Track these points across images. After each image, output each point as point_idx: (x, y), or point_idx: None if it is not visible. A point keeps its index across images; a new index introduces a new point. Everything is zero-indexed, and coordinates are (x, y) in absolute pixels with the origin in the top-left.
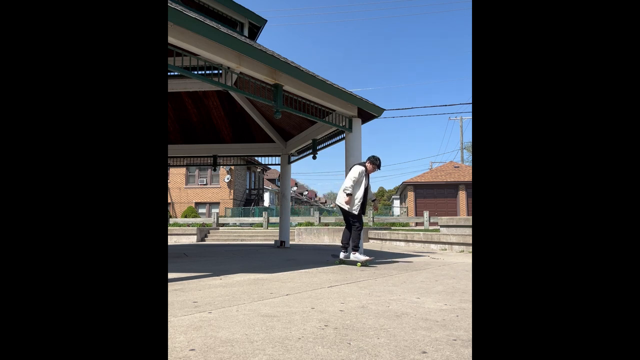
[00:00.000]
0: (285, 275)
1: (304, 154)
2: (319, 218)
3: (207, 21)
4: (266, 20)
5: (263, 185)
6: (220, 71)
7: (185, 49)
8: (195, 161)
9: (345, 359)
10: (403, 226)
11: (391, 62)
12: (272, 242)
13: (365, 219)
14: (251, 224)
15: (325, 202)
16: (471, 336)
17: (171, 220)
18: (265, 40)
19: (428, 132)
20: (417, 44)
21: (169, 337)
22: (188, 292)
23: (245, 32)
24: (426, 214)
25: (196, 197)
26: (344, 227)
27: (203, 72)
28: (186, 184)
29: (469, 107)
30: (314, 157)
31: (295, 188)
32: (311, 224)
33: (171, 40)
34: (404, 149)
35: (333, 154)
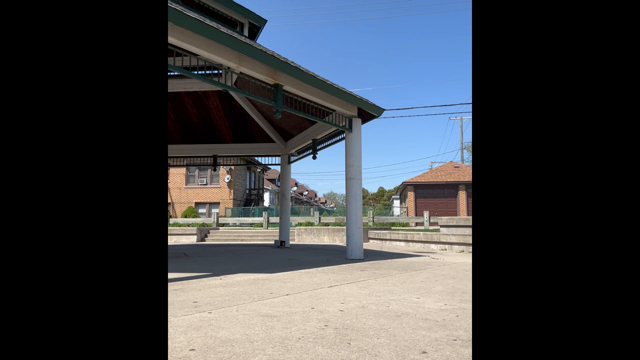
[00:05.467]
0: (285, 275)
1: (304, 154)
2: (319, 218)
3: (207, 21)
4: (266, 20)
5: (263, 185)
6: (220, 71)
7: (185, 49)
8: (195, 161)
9: (345, 359)
10: (403, 226)
11: (392, 62)
12: (272, 242)
13: (365, 219)
14: (251, 224)
15: (325, 202)
16: (471, 336)
17: (171, 220)
18: (265, 40)
19: (428, 132)
20: (418, 44)
21: (169, 337)
22: (188, 292)
23: (245, 32)
24: (426, 214)
25: (196, 197)
26: (344, 227)
27: (203, 72)
28: (186, 184)
29: (469, 107)
30: (314, 157)
31: (295, 188)
32: (311, 224)
33: (171, 40)
34: (404, 149)
35: (333, 154)
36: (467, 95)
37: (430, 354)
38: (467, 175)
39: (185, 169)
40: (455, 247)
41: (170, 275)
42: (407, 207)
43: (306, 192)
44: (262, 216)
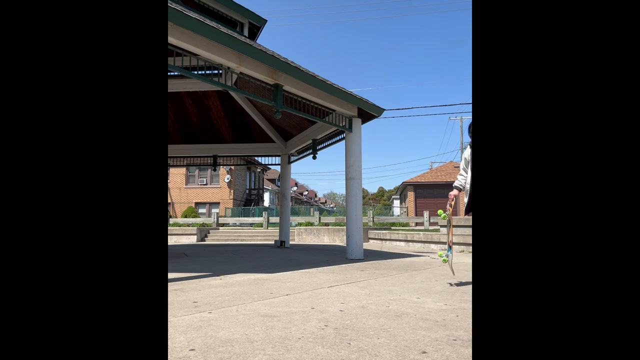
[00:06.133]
0: (285, 275)
1: (304, 154)
2: (319, 218)
3: (207, 21)
4: (266, 20)
5: (263, 185)
6: (220, 71)
7: (185, 49)
8: (195, 161)
9: (345, 359)
10: (403, 226)
11: (392, 62)
12: (272, 242)
13: (365, 219)
14: (251, 224)
15: (325, 202)
16: (471, 336)
17: (171, 220)
18: (265, 40)
19: (428, 132)
20: (418, 44)
21: (169, 337)
22: (188, 292)
23: (245, 32)
24: (426, 214)
25: (196, 197)
26: (344, 227)
27: (203, 72)
28: (186, 184)
29: (469, 107)
30: (314, 157)
31: (295, 188)
32: (311, 224)
33: (171, 40)
34: (404, 149)
35: (333, 154)
36: (467, 96)
37: (430, 354)
38: None
39: (185, 169)
40: (455, 247)
41: (170, 275)
42: (407, 207)
43: (306, 192)
44: (262, 216)
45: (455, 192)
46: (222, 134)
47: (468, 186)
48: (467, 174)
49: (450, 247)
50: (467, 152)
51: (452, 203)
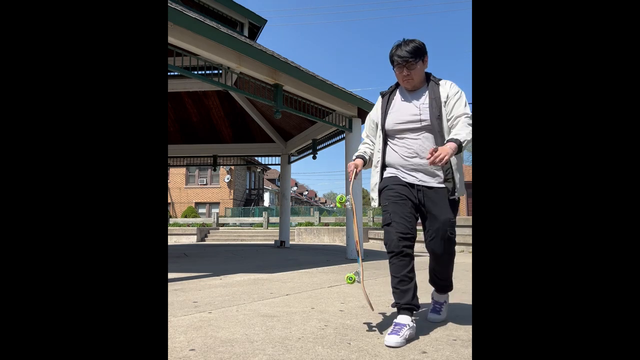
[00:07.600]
0: (285, 275)
1: (304, 154)
2: (319, 218)
3: (207, 21)
4: (266, 20)
5: (263, 185)
6: (220, 71)
7: (185, 49)
8: (195, 161)
9: (345, 359)
10: None
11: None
12: (272, 242)
13: (365, 219)
14: (251, 224)
15: (325, 202)
16: (471, 336)
17: (171, 220)
18: (265, 40)
19: None
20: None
21: (169, 337)
22: (188, 292)
23: (245, 32)
24: None
25: (196, 197)
26: (344, 227)
27: (203, 72)
28: (186, 184)
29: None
30: (314, 157)
31: (295, 188)
32: (311, 224)
33: (171, 40)
34: None
35: (333, 154)
36: (467, 96)
37: (430, 354)
38: (467, 176)
39: (185, 169)
40: (456, 247)
41: (170, 275)
42: None
43: (306, 192)
44: (262, 216)
45: (359, 161)
46: (222, 134)
47: (376, 160)
48: (373, 142)
49: (358, 253)
50: (376, 110)
51: (354, 176)
